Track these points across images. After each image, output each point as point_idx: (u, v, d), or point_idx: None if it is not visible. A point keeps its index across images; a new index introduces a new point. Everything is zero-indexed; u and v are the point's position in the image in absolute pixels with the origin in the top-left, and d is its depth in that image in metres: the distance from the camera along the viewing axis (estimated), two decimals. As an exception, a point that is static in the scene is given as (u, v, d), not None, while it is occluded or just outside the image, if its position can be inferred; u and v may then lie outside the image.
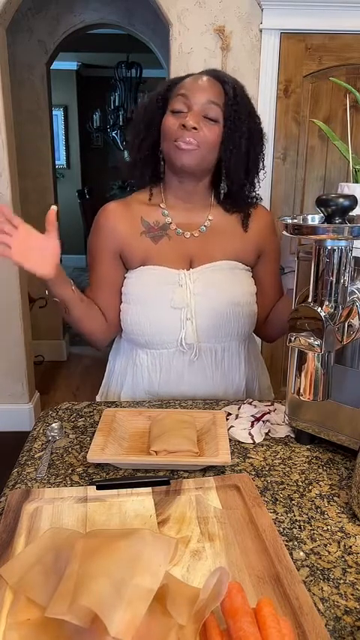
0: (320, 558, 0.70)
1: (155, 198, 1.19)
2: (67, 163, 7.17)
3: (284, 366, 2.73)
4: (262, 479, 0.87)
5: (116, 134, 6.20)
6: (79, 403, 1.14)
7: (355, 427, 0.89)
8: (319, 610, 0.61)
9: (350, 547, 0.72)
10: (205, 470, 0.88)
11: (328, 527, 0.76)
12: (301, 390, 0.85)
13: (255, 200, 1.23)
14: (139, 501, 0.78)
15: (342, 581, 0.66)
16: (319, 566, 0.68)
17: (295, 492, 0.84)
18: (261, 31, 2.55)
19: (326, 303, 0.81)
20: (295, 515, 0.78)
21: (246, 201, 1.21)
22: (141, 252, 1.17)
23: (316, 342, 0.80)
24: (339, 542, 0.73)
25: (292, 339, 0.83)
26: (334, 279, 0.80)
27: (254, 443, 0.97)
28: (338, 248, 0.79)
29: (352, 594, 0.64)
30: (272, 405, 1.08)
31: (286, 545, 0.71)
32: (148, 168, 1.18)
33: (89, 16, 3.63)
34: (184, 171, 1.12)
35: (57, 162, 4.75)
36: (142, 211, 1.18)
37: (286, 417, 1.00)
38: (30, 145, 3.63)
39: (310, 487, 0.85)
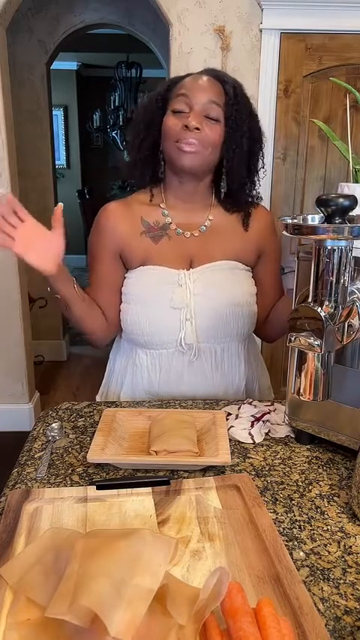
0: (320, 558, 0.70)
1: (155, 198, 1.19)
2: (67, 163, 7.18)
3: (284, 366, 2.73)
4: (262, 479, 0.87)
5: (116, 134, 6.20)
6: (79, 403, 1.14)
7: (355, 427, 0.89)
8: (319, 610, 0.61)
9: (350, 547, 0.72)
10: (205, 470, 0.88)
11: (328, 527, 0.76)
12: (301, 390, 0.86)
13: (256, 199, 1.23)
14: (139, 501, 0.78)
15: (342, 581, 0.66)
16: (319, 566, 0.68)
17: (295, 492, 0.84)
18: (261, 31, 2.55)
19: (326, 303, 0.81)
20: (295, 515, 0.78)
21: (247, 200, 1.21)
22: (141, 252, 1.17)
23: (316, 342, 0.80)
24: (339, 542, 0.73)
25: (292, 339, 0.83)
26: (334, 279, 0.80)
27: (254, 443, 0.97)
28: (338, 248, 0.79)
29: (352, 594, 0.64)
30: (272, 405, 1.08)
31: (286, 545, 0.71)
32: (148, 169, 1.18)
33: (89, 16, 3.64)
34: (185, 172, 1.12)
35: (57, 162, 4.75)
36: (142, 211, 1.18)
37: (286, 417, 1.00)
38: (30, 145, 3.62)
39: (310, 487, 0.85)
